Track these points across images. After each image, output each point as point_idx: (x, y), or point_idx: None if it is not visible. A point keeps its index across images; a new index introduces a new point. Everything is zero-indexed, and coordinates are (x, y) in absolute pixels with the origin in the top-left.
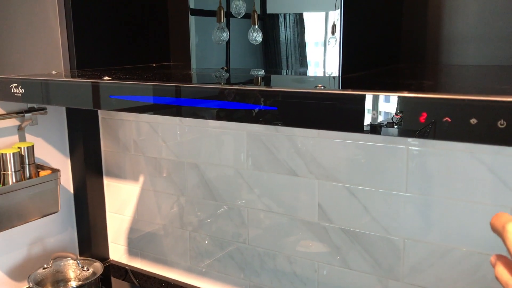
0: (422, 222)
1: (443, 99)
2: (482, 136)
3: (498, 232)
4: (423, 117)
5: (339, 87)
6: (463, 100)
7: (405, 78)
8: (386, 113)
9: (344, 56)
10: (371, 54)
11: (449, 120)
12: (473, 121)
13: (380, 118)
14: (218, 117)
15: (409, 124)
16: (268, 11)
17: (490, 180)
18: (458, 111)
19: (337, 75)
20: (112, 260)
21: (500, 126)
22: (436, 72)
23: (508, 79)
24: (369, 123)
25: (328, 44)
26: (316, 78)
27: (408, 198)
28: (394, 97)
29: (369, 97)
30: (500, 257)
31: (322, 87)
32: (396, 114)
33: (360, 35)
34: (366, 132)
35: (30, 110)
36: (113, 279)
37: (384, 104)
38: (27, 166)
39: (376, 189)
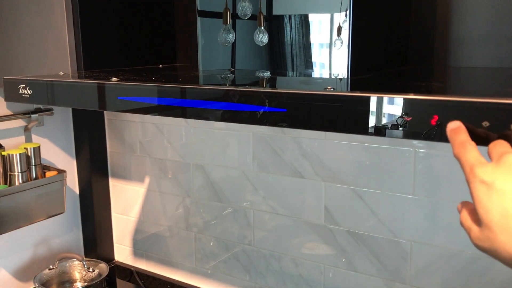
0: (429, 225)
1: (455, 102)
2: (494, 139)
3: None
4: (434, 120)
5: (347, 89)
6: (475, 102)
7: (414, 80)
8: (394, 115)
9: (352, 57)
10: (379, 56)
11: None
12: (485, 123)
13: (388, 120)
14: (224, 119)
15: (417, 127)
16: (274, 13)
17: None
18: (470, 114)
19: (345, 76)
20: (117, 261)
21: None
22: (445, 74)
23: None
24: (377, 125)
25: (334, 46)
26: (323, 80)
27: (415, 201)
28: (402, 99)
29: (378, 99)
30: (465, 204)
31: (332, 89)
32: (405, 116)
33: (368, 36)
34: (374, 134)
35: (36, 111)
36: (118, 280)
37: (392, 107)
38: (34, 167)
39: (383, 191)
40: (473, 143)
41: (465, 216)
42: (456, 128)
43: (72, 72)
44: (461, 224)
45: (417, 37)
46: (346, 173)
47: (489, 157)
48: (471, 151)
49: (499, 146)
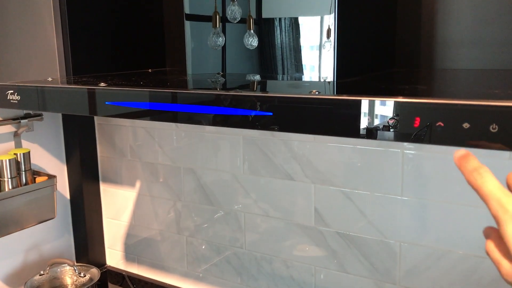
0: (418, 226)
1: (436, 104)
2: (474, 140)
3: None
4: (416, 122)
5: (333, 93)
6: (456, 104)
7: (399, 83)
8: (381, 118)
9: (338, 61)
10: (366, 59)
11: (441, 124)
12: (466, 125)
13: (375, 123)
14: (214, 123)
15: (403, 129)
16: (263, 16)
17: None
18: (451, 116)
19: (332, 80)
20: (109, 266)
21: (492, 130)
22: (430, 77)
23: (500, 83)
24: (364, 128)
25: (323, 48)
26: (311, 83)
27: (404, 202)
28: (388, 102)
29: (364, 102)
30: (491, 232)
31: (317, 93)
32: (390, 119)
33: (355, 40)
34: (362, 137)
35: (26, 116)
36: (110, 285)
37: (378, 109)
38: (23, 172)
39: (372, 192)
40: (487, 168)
41: (492, 247)
42: (464, 155)
43: (61, 78)
44: (488, 254)
45: (403, 40)
46: (336, 175)
47: (509, 187)
48: (491, 181)
49: None
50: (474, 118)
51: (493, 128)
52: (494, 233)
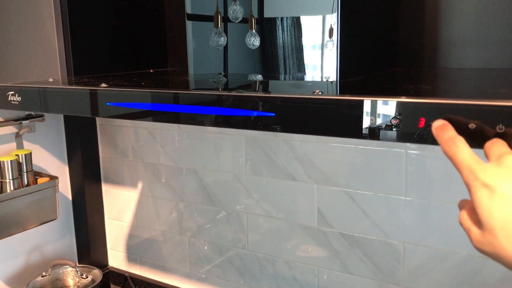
0: (422, 226)
1: (441, 104)
2: (480, 141)
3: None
4: (421, 122)
5: (336, 93)
6: (461, 105)
7: (402, 82)
8: (384, 118)
9: (341, 60)
10: (369, 59)
11: None
12: (472, 125)
13: (378, 124)
14: (217, 123)
15: (407, 129)
16: (265, 15)
17: None
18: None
19: (335, 80)
20: (111, 267)
21: (499, 130)
22: (433, 76)
23: (506, 82)
24: (367, 128)
25: (326, 48)
26: (313, 83)
27: (408, 202)
28: (391, 103)
29: (366, 102)
30: (465, 202)
31: (320, 93)
32: (394, 119)
33: (357, 39)
34: (364, 137)
35: (27, 117)
36: (112, 286)
37: (381, 110)
38: (25, 173)
39: (375, 193)
40: (462, 139)
41: (464, 216)
42: (441, 125)
43: (62, 78)
44: (460, 223)
45: (406, 39)
46: (339, 175)
47: (486, 156)
48: (464, 149)
49: (497, 145)
50: (480, 118)
51: (500, 128)
52: (467, 203)
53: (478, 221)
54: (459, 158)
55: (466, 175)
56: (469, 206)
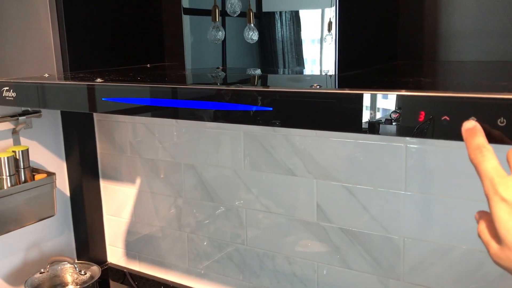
0: (422, 221)
1: (441, 97)
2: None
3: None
4: (421, 116)
5: (335, 86)
6: (462, 98)
7: (402, 75)
8: (383, 112)
9: (340, 54)
10: (368, 52)
11: (447, 119)
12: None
13: (377, 118)
14: (215, 118)
15: (406, 123)
16: (264, 9)
17: None
18: (457, 110)
19: (333, 73)
20: (110, 263)
21: (500, 124)
22: (433, 69)
23: (507, 75)
24: (366, 122)
25: (325, 41)
26: (312, 77)
27: (408, 197)
28: (391, 96)
29: (366, 96)
30: (483, 214)
31: (318, 87)
32: (394, 113)
33: (356, 32)
34: (364, 132)
35: (24, 113)
36: (111, 282)
37: (381, 103)
38: (22, 170)
39: (375, 187)
40: (490, 149)
41: (483, 229)
42: (472, 128)
43: (57, 74)
44: (479, 235)
45: (406, 32)
46: (338, 170)
47: (508, 163)
48: (490, 160)
49: None
50: (481, 111)
51: (501, 122)
52: (486, 216)
53: (496, 235)
54: (482, 168)
55: (487, 187)
56: (488, 219)
